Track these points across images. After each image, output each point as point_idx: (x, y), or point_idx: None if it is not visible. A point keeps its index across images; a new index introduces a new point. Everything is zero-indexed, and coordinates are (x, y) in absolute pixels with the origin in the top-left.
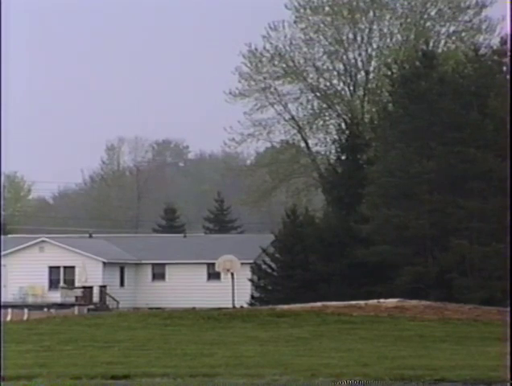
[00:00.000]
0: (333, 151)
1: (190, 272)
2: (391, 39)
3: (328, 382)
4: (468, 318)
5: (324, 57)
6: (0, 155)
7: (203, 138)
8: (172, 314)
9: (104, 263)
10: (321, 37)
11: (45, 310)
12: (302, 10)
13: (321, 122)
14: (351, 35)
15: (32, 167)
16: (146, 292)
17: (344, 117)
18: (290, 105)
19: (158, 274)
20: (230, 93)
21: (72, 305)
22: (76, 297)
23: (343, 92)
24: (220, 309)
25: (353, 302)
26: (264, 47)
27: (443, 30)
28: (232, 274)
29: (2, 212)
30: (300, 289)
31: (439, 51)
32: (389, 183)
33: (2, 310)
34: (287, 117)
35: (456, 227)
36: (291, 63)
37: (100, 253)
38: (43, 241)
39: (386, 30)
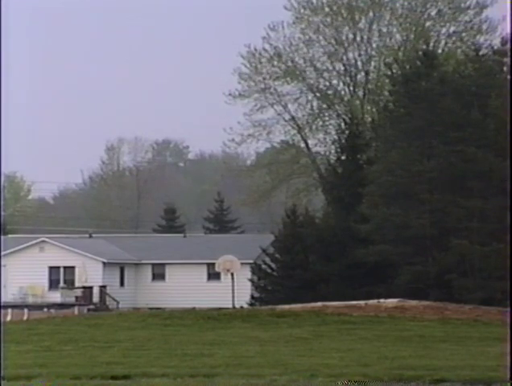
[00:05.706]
0: (333, 151)
1: (190, 272)
2: (391, 39)
3: (328, 382)
4: (468, 318)
5: (324, 57)
6: (0, 155)
7: (203, 138)
8: (172, 314)
9: (104, 263)
10: (321, 37)
11: (45, 310)
12: (301, 11)
13: (321, 122)
14: (351, 35)
15: (32, 167)
16: (146, 292)
17: (344, 117)
18: (289, 106)
19: (158, 274)
20: (230, 94)
21: (72, 305)
22: (76, 297)
23: (343, 92)
24: (220, 309)
25: (353, 302)
26: (263, 48)
27: (444, 30)
28: (232, 274)
29: (2, 212)
30: (300, 289)
31: (440, 51)
32: (389, 183)
33: (2, 310)
34: (287, 117)
35: (456, 227)
36: (290, 64)
37: (100, 253)
38: (43, 241)
39: (385, 30)
